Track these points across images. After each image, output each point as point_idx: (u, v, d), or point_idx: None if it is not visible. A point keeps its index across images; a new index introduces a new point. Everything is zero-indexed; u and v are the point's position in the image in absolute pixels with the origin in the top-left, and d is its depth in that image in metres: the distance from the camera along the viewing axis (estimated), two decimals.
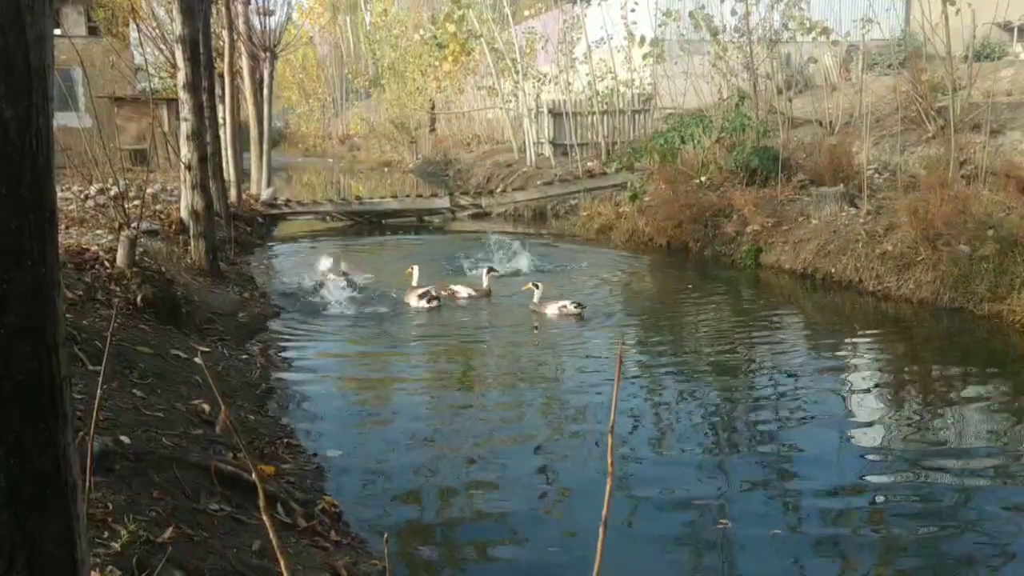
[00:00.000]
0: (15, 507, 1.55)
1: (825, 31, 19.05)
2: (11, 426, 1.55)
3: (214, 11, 16.04)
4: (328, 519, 4.50)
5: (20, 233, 1.58)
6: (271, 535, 1.45)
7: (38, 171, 1.62)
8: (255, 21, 18.59)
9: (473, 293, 10.66)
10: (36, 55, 1.62)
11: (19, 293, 1.56)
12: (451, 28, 25.31)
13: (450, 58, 27.05)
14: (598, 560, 1.53)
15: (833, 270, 11.16)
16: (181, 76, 10.02)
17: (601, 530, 1.60)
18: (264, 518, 1.46)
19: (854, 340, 8.90)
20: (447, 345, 8.99)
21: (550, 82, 24.13)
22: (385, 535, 3.60)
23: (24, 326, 1.58)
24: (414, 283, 10.45)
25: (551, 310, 9.66)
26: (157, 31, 18.52)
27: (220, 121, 15.08)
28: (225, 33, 16.62)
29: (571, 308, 9.61)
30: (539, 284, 10.02)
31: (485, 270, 10.97)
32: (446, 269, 12.65)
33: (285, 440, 5.74)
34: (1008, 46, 20.85)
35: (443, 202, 18.61)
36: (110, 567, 2.84)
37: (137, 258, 7.93)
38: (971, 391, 7.18)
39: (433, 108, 35.98)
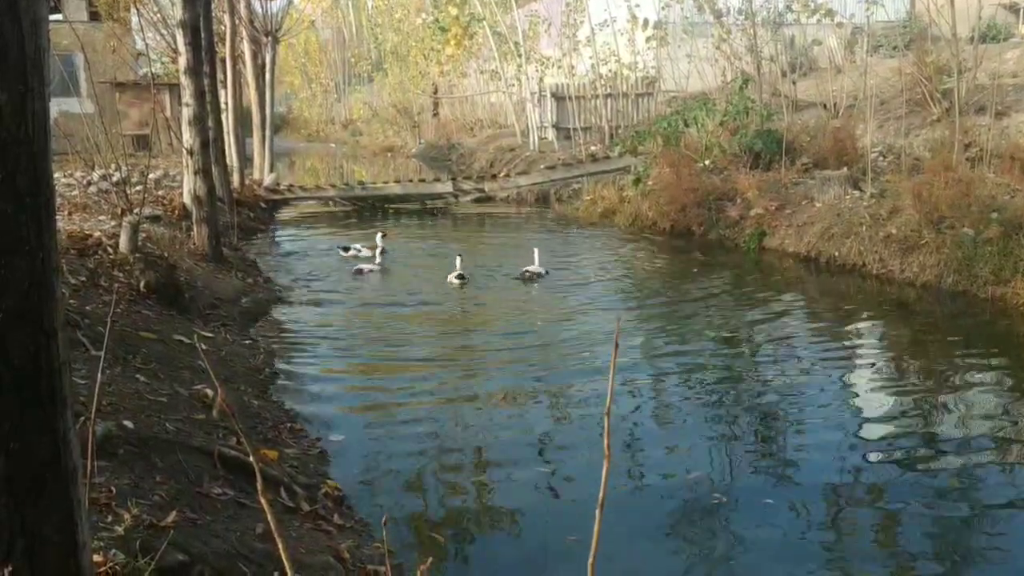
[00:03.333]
0: (14, 491, 1.57)
1: (829, 13, 18.93)
2: (9, 411, 1.56)
3: None
4: (331, 503, 4.52)
5: (17, 219, 1.58)
6: (269, 517, 1.46)
7: (34, 157, 1.62)
8: (256, 5, 18.52)
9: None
10: (31, 39, 1.61)
11: (16, 279, 1.57)
12: (453, 11, 25.21)
13: (452, 42, 26.89)
14: (595, 541, 1.54)
15: (837, 253, 11.13)
16: (182, 61, 9.99)
17: (598, 512, 1.60)
18: (262, 501, 1.47)
19: (857, 323, 8.89)
20: (450, 329, 9.00)
21: (553, 66, 24.02)
22: (384, 518, 3.62)
23: (22, 312, 1.58)
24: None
25: (449, 279, 10.63)
26: (158, 16, 18.44)
27: (222, 106, 15.03)
28: (226, 17, 16.55)
29: (454, 281, 10.57)
30: (461, 254, 10.94)
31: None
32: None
33: (288, 425, 5.77)
34: (1014, 27, 20.68)
35: (446, 187, 18.57)
36: (113, 551, 2.86)
37: (140, 244, 7.95)
38: (973, 373, 7.18)
39: (436, 92, 35.84)
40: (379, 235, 12.28)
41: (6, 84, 1.57)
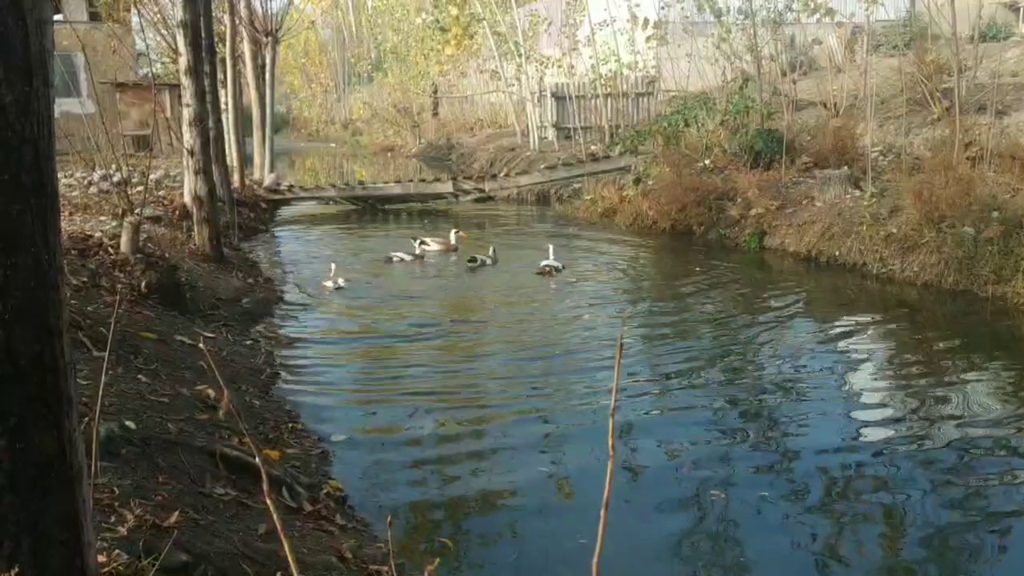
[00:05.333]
0: (20, 490, 1.56)
1: (829, 12, 18.92)
2: (14, 409, 1.56)
3: None
4: (333, 503, 4.52)
5: (21, 218, 1.58)
6: (275, 518, 1.46)
7: (39, 156, 1.62)
8: (256, 5, 18.52)
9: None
10: (36, 40, 1.61)
11: (20, 277, 1.57)
12: (453, 11, 25.22)
13: (452, 42, 26.92)
14: (599, 541, 1.54)
15: (837, 253, 11.13)
16: (183, 61, 9.99)
17: (602, 512, 1.60)
18: (267, 501, 1.47)
19: (858, 322, 8.89)
20: (452, 327, 8.99)
21: (553, 65, 24.01)
22: (388, 517, 3.62)
23: (26, 310, 1.58)
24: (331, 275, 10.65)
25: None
26: (158, 16, 18.43)
27: (222, 106, 15.03)
28: (227, 17, 16.55)
29: (469, 264, 11.57)
30: (494, 246, 11.98)
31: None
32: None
33: (290, 425, 5.76)
34: (1014, 26, 20.66)
35: (446, 186, 18.55)
36: (116, 551, 2.86)
37: (141, 244, 7.95)
38: (974, 372, 7.18)
39: (436, 92, 35.85)
40: (453, 232, 13.06)
41: (11, 84, 1.57)
